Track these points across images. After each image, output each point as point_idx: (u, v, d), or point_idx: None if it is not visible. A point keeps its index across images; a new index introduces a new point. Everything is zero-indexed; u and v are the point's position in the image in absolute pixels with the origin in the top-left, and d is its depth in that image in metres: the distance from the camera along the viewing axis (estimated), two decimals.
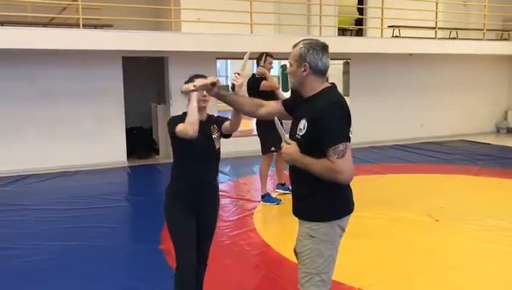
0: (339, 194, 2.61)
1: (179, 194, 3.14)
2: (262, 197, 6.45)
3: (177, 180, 3.18)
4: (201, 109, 3.07)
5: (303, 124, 2.55)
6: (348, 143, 2.46)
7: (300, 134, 2.55)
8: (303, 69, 2.57)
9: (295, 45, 2.64)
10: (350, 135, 2.54)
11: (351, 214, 2.72)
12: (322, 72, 2.60)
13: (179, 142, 3.04)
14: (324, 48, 2.62)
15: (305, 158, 2.51)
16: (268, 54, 6.44)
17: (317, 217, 2.60)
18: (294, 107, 2.75)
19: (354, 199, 2.73)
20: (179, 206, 3.11)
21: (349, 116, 2.56)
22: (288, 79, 2.81)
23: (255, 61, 6.74)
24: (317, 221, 2.59)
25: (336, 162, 2.40)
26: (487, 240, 5.04)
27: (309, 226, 2.60)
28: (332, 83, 2.70)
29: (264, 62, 6.39)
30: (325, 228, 2.58)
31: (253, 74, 6.54)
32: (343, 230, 2.68)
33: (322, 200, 2.59)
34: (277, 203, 6.37)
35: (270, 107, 2.90)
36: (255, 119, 6.61)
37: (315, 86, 2.60)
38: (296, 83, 2.66)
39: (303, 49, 2.57)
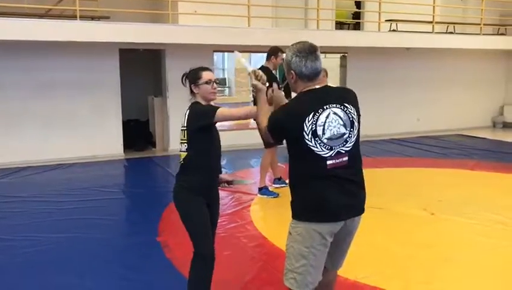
0: (315, 197, 2.60)
1: (197, 185, 3.16)
2: (260, 189, 6.46)
3: (197, 172, 3.16)
4: (211, 100, 3.22)
5: None
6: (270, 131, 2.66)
7: None
8: (291, 76, 2.67)
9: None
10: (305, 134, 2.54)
11: (336, 225, 2.66)
12: (309, 77, 2.64)
13: (206, 134, 3.13)
14: (310, 52, 2.63)
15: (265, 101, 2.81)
16: (281, 50, 6.31)
17: (294, 215, 2.67)
18: None
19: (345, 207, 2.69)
20: (197, 197, 3.14)
21: (298, 116, 2.57)
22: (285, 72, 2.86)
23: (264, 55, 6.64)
24: (294, 219, 2.67)
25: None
26: (482, 233, 5.08)
27: (291, 223, 2.69)
28: (326, 84, 2.75)
29: (276, 58, 6.32)
30: (299, 228, 2.63)
31: (263, 66, 6.41)
32: (324, 238, 2.61)
33: (299, 199, 2.66)
34: (274, 197, 6.39)
35: None
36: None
37: (302, 89, 2.67)
38: (291, 87, 2.75)
39: (288, 57, 2.66)
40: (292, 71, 2.63)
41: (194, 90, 3.20)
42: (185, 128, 3.16)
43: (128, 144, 9.54)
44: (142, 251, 4.66)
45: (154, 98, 10.12)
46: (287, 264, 2.67)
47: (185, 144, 3.15)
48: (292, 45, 2.68)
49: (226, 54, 17.91)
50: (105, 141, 9.13)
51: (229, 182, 3.40)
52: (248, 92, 16.60)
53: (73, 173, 7.99)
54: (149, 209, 5.90)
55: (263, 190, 6.46)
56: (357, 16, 12.18)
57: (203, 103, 3.19)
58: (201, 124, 3.08)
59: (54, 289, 3.91)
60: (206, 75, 3.18)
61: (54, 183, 7.33)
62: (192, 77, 3.21)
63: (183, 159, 3.18)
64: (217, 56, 14.13)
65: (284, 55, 6.20)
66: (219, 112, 3.02)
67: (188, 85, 3.24)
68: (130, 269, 4.28)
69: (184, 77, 3.25)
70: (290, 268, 2.64)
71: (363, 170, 2.85)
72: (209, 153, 3.20)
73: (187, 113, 3.16)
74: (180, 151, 3.21)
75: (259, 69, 6.38)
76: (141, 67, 10.42)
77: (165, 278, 4.03)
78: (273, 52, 6.38)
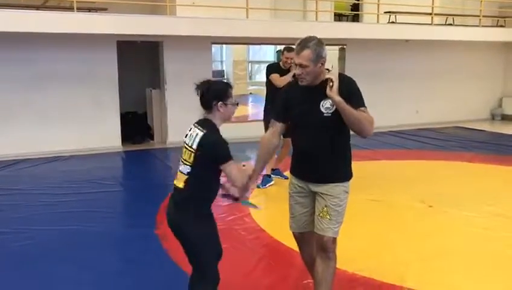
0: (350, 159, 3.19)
1: (207, 211, 2.96)
2: (273, 170, 6.61)
3: (209, 200, 2.91)
4: (229, 120, 2.93)
5: (328, 103, 2.92)
6: None
7: (330, 112, 2.93)
8: (320, 64, 2.90)
9: (302, 47, 2.87)
10: None
11: None
12: None
13: (218, 168, 2.81)
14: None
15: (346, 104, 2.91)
16: (287, 49, 6.24)
17: (347, 177, 3.12)
18: (288, 106, 3.10)
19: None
20: (209, 220, 2.96)
21: None
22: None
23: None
24: (347, 181, 3.10)
25: (372, 118, 3.07)
26: (480, 225, 5.08)
27: (344, 185, 3.08)
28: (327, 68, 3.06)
29: (282, 55, 6.28)
30: (348, 186, 3.13)
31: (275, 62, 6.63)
32: None
33: (349, 162, 3.17)
34: (270, 184, 6.49)
35: (275, 131, 3.21)
36: (263, 106, 6.59)
37: (322, 73, 2.96)
38: (311, 79, 2.93)
39: (318, 49, 2.88)
40: (323, 58, 2.91)
41: (220, 109, 2.78)
42: (193, 151, 2.75)
43: (126, 137, 9.52)
44: (140, 243, 4.66)
45: (152, 91, 10.08)
46: (339, 219, 3.06)
47: (189, 167, 2.77)
48: (308, 40, 2.91)
49: (224, 46, 17.79)
50: (103, 133, 9.10)
51: (236, 199, 3.09)
52: (245, 84, 16.61)
53: (70, 166, 7.97)
54: (147, 202, 5.88)
55: (276, 171, 6.64)
56: (355, 7, 12.12)
57: (219, 122, 2.83)
58: (215, 162, 2.75)
59: (51, 281, 3.90)
60: (234, 94, 2.84)
61: (51, 175, 7.31)
62: (221, 93, 2.78)
63: (185, 183, 2.79)
64: (215, 48, 14.05)
65: (287, 52, 6.17)
66: (231, 167, 2.76)
67: (209, 100, 2.76)
68: (128, 261, 4.28)
69: (205, 89, 2.76)
70: (340, 220, 3.07)
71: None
72: (216, 186, 2.93)
73: (200, 136, 2.74)
74: (180, 172, 2.82)
75: (272, 64, 6.54)
76: (139, 60, 10.37)
77: (163, 271, 4.03)
78: (282, 50, 6.48)
